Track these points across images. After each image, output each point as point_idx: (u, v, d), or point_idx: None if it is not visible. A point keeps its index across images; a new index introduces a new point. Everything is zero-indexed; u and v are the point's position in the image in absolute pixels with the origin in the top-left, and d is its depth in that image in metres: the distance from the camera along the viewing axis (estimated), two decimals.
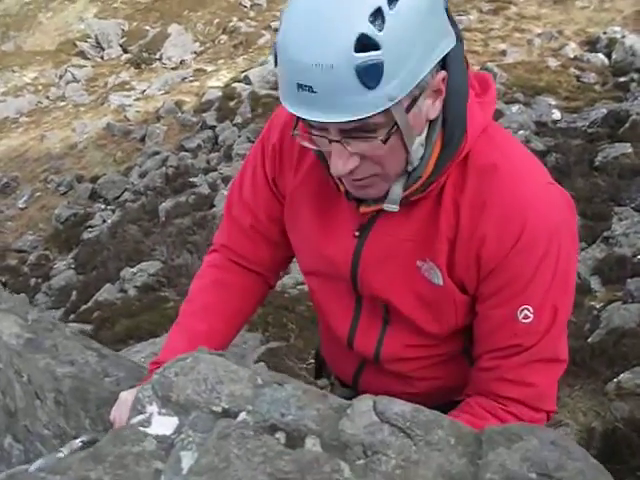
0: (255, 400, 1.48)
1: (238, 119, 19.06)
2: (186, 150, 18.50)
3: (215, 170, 16.63)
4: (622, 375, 6.36)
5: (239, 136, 18.00)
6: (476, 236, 1.85)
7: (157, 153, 18.62)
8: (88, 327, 9.70)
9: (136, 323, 9.22)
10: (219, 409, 1.48)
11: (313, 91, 1.62)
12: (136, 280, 11.62)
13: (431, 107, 1.76)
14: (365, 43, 1.55)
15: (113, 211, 16.78)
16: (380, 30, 1.55)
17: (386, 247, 1.98)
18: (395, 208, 1.86)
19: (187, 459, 1.39)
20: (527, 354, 1.91)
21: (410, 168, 1.83)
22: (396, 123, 1.69)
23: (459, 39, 1.78)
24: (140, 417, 1.52)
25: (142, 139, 20.63)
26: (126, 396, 1.98)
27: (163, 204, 15.18)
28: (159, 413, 1.52)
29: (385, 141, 1.70)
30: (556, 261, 1.84)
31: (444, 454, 1.37)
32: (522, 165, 1.89)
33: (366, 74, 1.57)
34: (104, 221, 16.18)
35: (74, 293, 12.72)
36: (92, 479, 1.35)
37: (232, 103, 20.18)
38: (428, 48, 1.65)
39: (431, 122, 1.81)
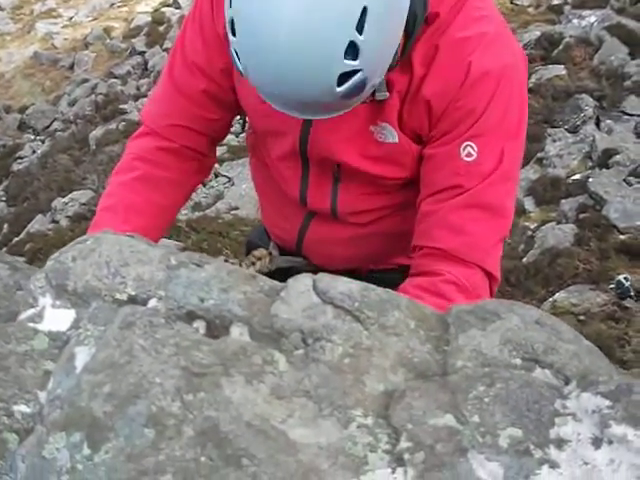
0: (168, 284, 1.20)
1: (168, 44, 18.53)
2: (115, 77, 18.10)
3: (145, 96, 16.17)
4: (557, 294, 6.60)
5: None
6: (426, 81, 1.86)
7: (86, 81, 18.14)
8: (21, 259, 9.42)
9: None
10: (124, 297, 1.21)
11: (299, 111, 1.74)
12: (68, 210, 11.42)
13: None
14: (345, 75, 1.59)
15: (43, 141, 16.34)
16: (356, 59, 1.57)
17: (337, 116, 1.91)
18: (386, 95, 1.86)
19: (82, 355, 1.12)
20: (466, 196, 1.89)
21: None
22: None
23: None
24: (31, 311, 1.26)
25: (71, 67, 20.13)
26: None
27: (93, 132, 14.83)
28: (53, 306, 1.24)
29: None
30: (506, 102, 1.86)
31: (403, 339, 1.12)
32: (480, 10, 1.89)
33: (352, 94, 1.65)
34: (34, 151, 15.75)
35: (5, 226, 12.39)
36: None
37: (161, 28, 19.75)
38: (400, 29, 1.70)
39: None
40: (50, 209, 11.75)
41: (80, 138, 15.10)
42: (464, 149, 1.85)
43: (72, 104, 17.28)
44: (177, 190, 2.25)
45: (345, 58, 1.56)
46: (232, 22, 1.62)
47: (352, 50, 1.55)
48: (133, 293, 1.20)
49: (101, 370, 1.05)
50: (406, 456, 0.97)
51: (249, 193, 9.83)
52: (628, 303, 6.43)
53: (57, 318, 1.22)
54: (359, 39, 1.54)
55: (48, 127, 17.13)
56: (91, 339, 1.13)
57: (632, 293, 6.48)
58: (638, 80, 12.03)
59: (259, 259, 2.45)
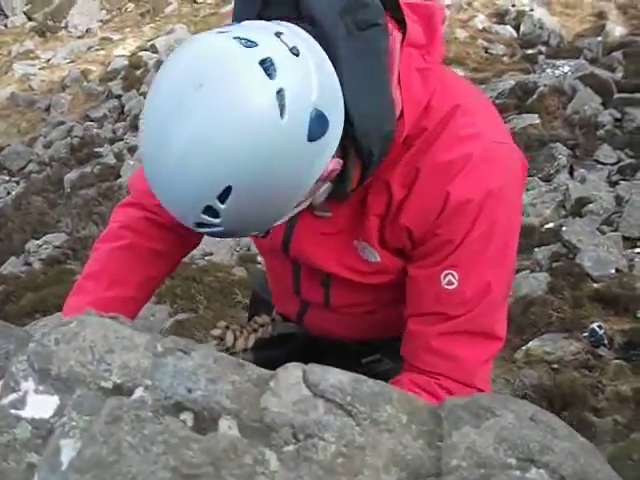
0: (154, 372, 1.17)
1: (145, 88, 18.61)
2: (92, 120, 18.11)
3: (121, 140, 16.29)
4: (531, 342, 6.63)
5: None
6: (405, 206, 1.79)
7: (62, 123, 18.11)
8: None
9: (42, 297, 8.99)
10: (109, 384, 1.17)
11: None
12: (41, 253, 11.36)
13: (329, 169, 1.66)
14: (204, 224, 1.59)
15: (18, 182, 16.28)
16: (216, 217, 1.55)
17: (318, 229, 1.95)
18: (329, 214, 1.87)
19: (68, 450, 1.08)
20: (452, 324, 1.83)
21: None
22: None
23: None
24: (13, 396, 1.20)
25: (47, 109, 20.12)
26: None
27: (68, 175, 14.82)
28: (36, 391, 1.20)
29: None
30: (489, 230, 1.76)
31: (396, 436, 1.09)
32: (466, 127, 1.77)
33: (209, 234, 1.68)
34: (8, 193, 15.69)
35: None
36: None
37: (138, 72, 19.80)
38: (282, 204, 1.63)
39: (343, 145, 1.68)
40: (23, 251, 11.67)
41: (55, 180, 15.08)
42: (445, 277, 1.80)
43: (48, 146, 17.25)
44: (162, 261, 2.21)
45: (203, 214, 1.54)
46: None
47: (211, 212, 1.53)
48: (119, 381, 1.17)
49: (88, 470, 1.02)
50: None
51: (224, 239, 9.82)
52: (602, 351, 6.44)
53: (40, 404, 1.17)
54: (219, 206, 1.52)
55: (23, 168, 17.07)
56: (76, 431, 1.10)
57: (606, 341, 6.50)
58: (611, 129, 12.20)
59: (262, 326, 2.45)
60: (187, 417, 1.11)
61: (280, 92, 1.45)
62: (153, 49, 20.90)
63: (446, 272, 1.79)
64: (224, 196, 1.49)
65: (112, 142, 16.26)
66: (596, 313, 7.06)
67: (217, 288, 8.29)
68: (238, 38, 1.47)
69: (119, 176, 14.10)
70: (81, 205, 13.15)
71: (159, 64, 19.33)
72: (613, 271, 7.93)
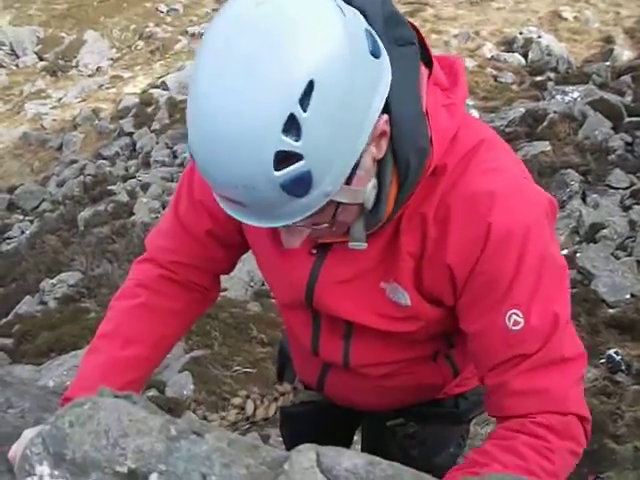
0: (168, 457, 1.17)
1: (156, 125, 18.81)
2: (104, 158, 18.18)
3: (134, 177, 16.34)
4: None
5: (157, 142, 17.78)
6: (444, 245, 1.74)
7: (74, 162, 18.21)
8: (8, 341, 9.41)
9: (57, 335, 8.97)
10: (124, 469, 1.17)
11: (243, 205, 1.52)
12: (56, 291, 11.37)
13: (375, 151, 1.61)
14: (284, 157, 1.40)
15: (31, 222, 16.34)
16: (297, 140, 1.39)
17: (346, 268, 1.87)
18: (363, 246, 1.74)
19: None
20: (529, 362, 1.76)
21: (368, 208, 1.68)
22: (339, 202, 1.59)
23: (408, 41, 1.66)
24: None
25: (59, 148, 20.24)
26: (29, 434, 1.69)
27: (82, 213, 14.84)
28: (51, 476, 1.21)
29: (332, 220, 1.63)
30: (538, 260, 1.72)
31: None
32: (492, 161, 1.76)
33: (293, 187, 1.45)
34: (22, 232, 15.74)
35: None
36: None
37: (149, 109, 19.92)
38: (357, 127, 1.50)
39: (380, 160, 1.64)
40: (38, 290, 11.68)
41: (69, 219, 15.11)
42: (509, 318, 1.73)
43: (60, 185, 17.33)
44: (179, 320, 2.19)
45: (284, 133, 1.38)
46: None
47: (293, 127, 1.38)
48: (133, 466, 1.17)
49: None
50: None
51: (238, 274, 9.83)
52: (619, 377, 6.40)
53: None
54: (301, 115, 1.38)
55: (37, 207, 17.17)
56: None
57: (623, 367, 6.46)
58: (622, 154, 12.16)
59: (282, 394, 2.44)
60: None
61: (337, 4, 1.45)
62: (164, 86, 21.00)
63: (509, 313, 1.73)
64: (306, 98, 1.37)
65: (125, 180, 16.32)
66: (613, 339, 7.03)
67: (232, 324, 8.26)
68: None
69: (132, 214, 14.13)
70: (95, 243, 13.16)
71: (170, 101, 19.51)
72: (628, 296, 7.90)
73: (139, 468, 1.17)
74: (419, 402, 2.27)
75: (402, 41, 1.64)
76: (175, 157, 16.52)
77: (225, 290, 9.73)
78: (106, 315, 2.13)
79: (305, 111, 1.38)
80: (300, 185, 1.45)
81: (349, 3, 1.55)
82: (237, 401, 2.20)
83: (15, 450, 1.73)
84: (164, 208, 13.92)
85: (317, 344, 2.13)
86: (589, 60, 18.88)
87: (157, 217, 13.53)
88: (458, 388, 2.34)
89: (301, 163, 1.42)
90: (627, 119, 13.23)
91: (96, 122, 20.73)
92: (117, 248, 12.50)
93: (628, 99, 14.63)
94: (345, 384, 2.23)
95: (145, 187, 15.15)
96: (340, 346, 2.08)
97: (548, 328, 1.74)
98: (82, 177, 16.99)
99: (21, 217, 17.09)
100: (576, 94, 14.93)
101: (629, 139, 12.60)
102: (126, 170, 17.27)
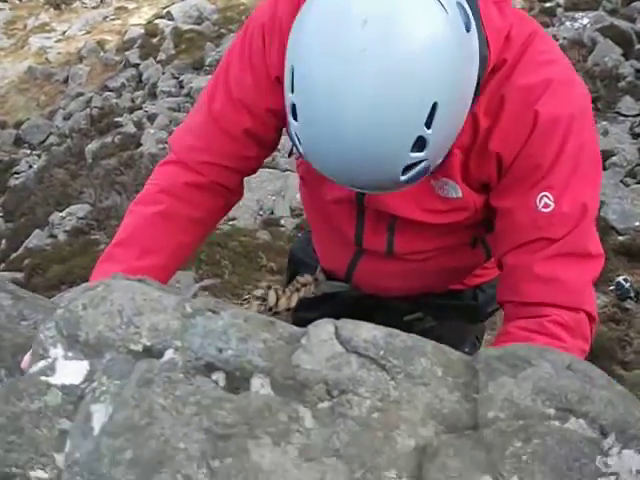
0: (184, 333, 1.15)
1: (162, 56, 18.55)
2: (110, 90, 17.96)
3: (140, 109, 16.16)
4: None
5: (163, 73, 17.55)
6: (493, 133, 1.79)
7: (81, 94, 18.04)
8: (19, 275, 9.41)
9: (68, 268, 8.95)
10: (139, 347, 1.16)
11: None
12: (65, 224, 11.31)
13: None
14: (410, 165, 1.54)
15: (39, 156, 16.27)
16: (423, 150, 1.52)
17: None
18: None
19: (99, 415, 1.07)
20: (554, 247, 1.82)
21: None
22: None
23: None
24: (42, 364, 1.20)
25: (65, 81, 20.03)
26: None
27: (89, 146, 14.74)
28: (65, 357, 1.19)
29: None
30: (579, 150, 1.78)
31: (431, 389, 1.07)
32: (546, 53, 1.81)
33: (413, 180, 1.59)
34: (30, 166, 15.69)
35: (3, 242, 12.31)
36: None
37: (155, 40, 19.64)
38: (467, 104, 1.62)
39: None
40: (48, 224, 11.65)
41: (76, 152, 15.04)
42: (540, 200, 1.79)
43: (67, 118, 17.20)
44: (199, 228, 2.15)
45: (411, 151, 1.51)
46: (294, 107, 1.56)
47: (419, 144, 1.51)
48: (148, 344, 1.15)
49: (121, 433, 1.00)
50: None
51: (247, 203, 9.79)
52: (628, 304, 6.38)
53: (70, 371, 1.16)
54: (427, 133, 1.49)
55: (44, 142, 17.08)
56: (107, 396, 1.08)
57: (632, 294, 6.43)
58: (632, 81, 12.01)
59: (304, 285, 2.41)
60: (219, 377, 1.10)
61: None
62: (169, 16, 20.71)
63: (541, 195, 1.79)
64: (430, 118, 1.48)
65: (131, 111, 16.17)
66: (622, 266, 6.99)
67: (242, 253, 8.22)
68: None
69: (140, 145, 14.03)
70: (103, 175, 13.09)
71: (175, 31, 19.28)
72: (638, 223, 7.85)
73: (154, 345, 1.15)
74: (440, 293, 2.26)
75: None
76: (181, 87, 16.34)
77: (234, 219, 9.72)
78: (124, 220, 2.09)
79: (429, 128, 1.48)
80: (420, 176, 1.60)
81: None
82: (259, 292, 2.18)
83: (28, 359, 1.73)
84: None
85: (361, 235, 2.16)
86: None
87: (164, 148, 13.41)
88: (478, 279, 2.39)
89: (423, 164, 1.55)
90: (638, 46, 13.04)
91: (101, 54, 20.51)
92: (125, 179, 12.43)
93: (639, 26, 14.42)
94: (378, 270, 2.24)
95: (152, 118, 15.01)
96: (384, 237, 2.12)
97: (576, 216, 1.79)
98: (89, 110, 16.85)
99: (28, 152, 17.03)
100: (586, 20, 14.70)
101: (639, 66, 12.45)
102: (132, 101, 17.09)
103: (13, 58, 22.40)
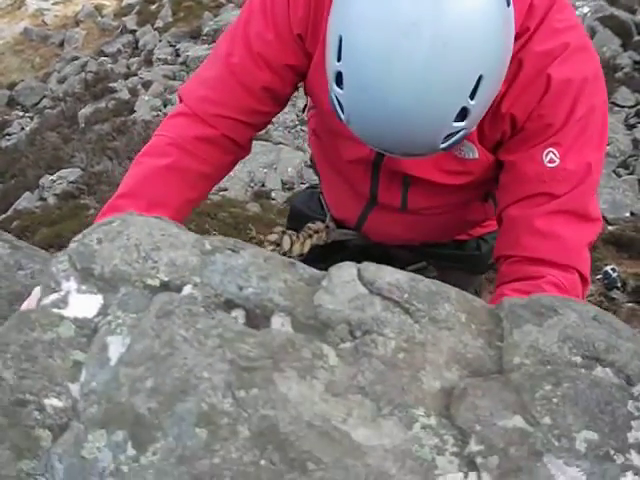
0: (203, 270, 1.13)
1: (159, 23, 18.48)
2: (106, 55, 17.91)
3: (135, 75, 16.11)
4: None
5: (160, 40, 17.49)
6: (507, 96, 1.82)
7: (76, 58, 17.95)
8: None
9: (56, 231, 8.94)
10: (156, 282, 1.13)
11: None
12: (55, 188, 11.30)
13: None
14: (451, 134, 1.60)
15: (31, 118, 16.21)
16: (464, 120, 1.57)
17: None
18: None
19: (116, 346, 1.04)
20: (556, 203, 1.86)
21: None
22: None
23: None
24: (54, 296, 1.16)
25: (61, 44, 19.95)
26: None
27: (82, 110, 14.69)
28: (78, 291, 1.16)
29: None
30: (589, 112, 1.83)
31: (455, 334, 1.06)
32: (564, 21, 1.83)
33: (449, 148, 1.65)
34: (22, 128, 15.62)
35: None
36: None
37: (153, 7, 19.55)
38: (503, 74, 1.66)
39: None
40: (38, 186, 11.62)
41: (69, 116, 14.98)
42: (546, 155, 1.82)
43: (62, 81, 17.13)
44: (207, 183, 2.13)
45: (454, 121, 1.56)
46: (339, 75, 1.58)
47: (462, 114, 1.56)
48: (166, 279, 1.13)
49: (140, 363, 0.98)
50: (478, 460, 0.92)
51: (238, 175, 9.76)
52: (615, 294, 6.40)
53: (83, 304, 1.14)
54: (470, 104, 1.55)
55: (37, 104, 16.99)
56: (124, 328, 1.06)
57: (619, 284, 6.46)
58: (629, 72, 12.02)
59: (316, 232, 2.40)
60: (238, 314, 1.07)
61: None
62: None
63: (548, 150, 1.82)
64: (475, 90, 1.53)
65: (126, 77, 16.09)
66: (610, 256, 7.01)
67: (231, 224, 8.23)
68: None
69: (133, 111, 13.98)
70: (95, 140, 13.05)
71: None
72: (628, 214, 7.88)
73: (172, 281, 1.13)
74: (444, 243, 2.35)
75: None
76: (178, 55, 16.26)
77: (225, 190, 9.69)
78: (130, 171, 2.05)
79: (473, 99, 1.54)
80: (455, 144, 1.65)
81: None
82: (273, 237, 2.16)
83: (27, 304, 1.72)
84: (165, 106, 13.76)
85: (376, 192, 2.20)
86: None
87: (158, 115, 13.39)
88: (482, 229, 2.44)
89: (462, 132, 1.60)
90: (637, 37, 13.05)
91: (99, 19, 20.42)
92: (118, 145, 12.39)
93: (639, 17, 14.41)
94: (389, 221, 2.27)
95: (147, 85, 14.96)
96: (399, 194, 2.15)
97: (580, 174, 1.84)
98: (83, 74, 16.78)
99: (21, 113, 16.94)
100: (586, 9, 14.67)
101: (638, 57, 12.47)
102: (128, 68, 17.01)
103: (9, 19, 22.23)
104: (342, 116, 1.65)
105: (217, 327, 1.03)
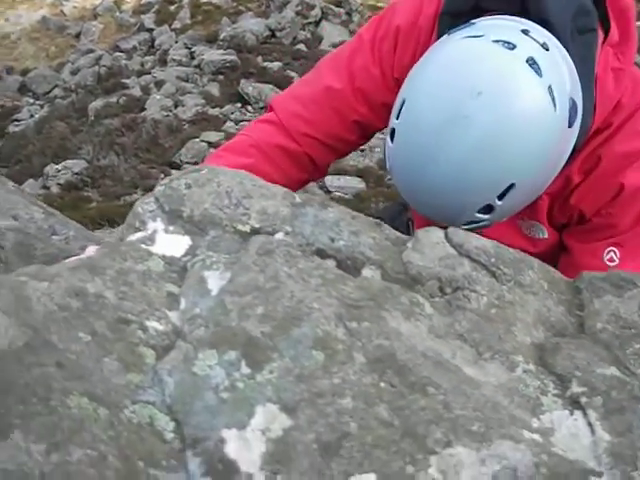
0: (294, 220, 1.16)
1: (177, 24, 18.47)
2: (121, 51, 17.87)
3: (149, 73, 16.07)
4: None
5: (176, 41, 17.45)
6: (579, 189, 1.86)
7: (91, 51, 17.91)
8: None
9: None
10: (247, 228, 1.15)
11: None
12: (60, 177, 11.26)
13: None
14: (473, 221, 1.64)
15: (42, 106, 16.15)
16: (489, 213, 1.62)
17: None
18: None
19: (214, 280, 1.06)
20: None
21: None
22: None
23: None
24: (139, 234, 1.18)
25: (77, 36, 19.93)
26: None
27: (93, 103, 14.63)
28: (166, 231, 1.17)
29: None
30: None
31: (539, 299, 1.10)
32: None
33: (472, 230, 1.54)
34: (32, 115, 15.57)
35: None
36: (90, 292, 1.02)
37: (172, 7, 19.53)
38: (547, 181, 1.69)
39: None
40: (42, 174, 11.60)
41: (79, 107, 14.92)
42: (607, 253, 1.88)
43: (75, 73, 17.07)
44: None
45: (478, 212, 1.61)
46: (393, 131, 1.65)
47: (487, 208, 1.60)
48: (257, 226, 1.16)
49: (247, 292, 1.01)
50: (583, 400, 0.96)
51: None
52: None
53: (171, 243, 1.15)
54: (497, 204, 1.59)
55: (48, 93, 16.94)
56: (220, 264, 1.09)
57: None
58: None
59: None
60: (329, 264, 1.11)
61: (550, 87, 1.53)
62: None
63: (610, 249, 1.87)
64: (504, 194, 1.57)
65: (140, 75, 16.07)
66: None
67: None
68: (497, 41, 1.54)
69: (144, 109, 13.95)
70: (103, 134, 13.01)
71: (194, 1, 19.14)
72: None
73: (263, 228, 1.16)
74: None
75: (584, 29, 1.72)
76: (192, 58, 16.23)
77: None
78: (209, 161, 2.11)
79: (500, 200, 1.57)
80: (477, 229, 1.60)
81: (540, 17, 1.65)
82: None
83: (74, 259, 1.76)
84: (176, 107, 13.73)
85: None
86: None
87: (168, 115, 13.36)
88: None
89: (485, 222, 1.65)
90: None
91: (117, 14, 20.38)
92: (125, 141, 12.37)
93: None
94: None
95: (159, 84, 14.94)
96: None
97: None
98: (97, 67, 16.73)
99: (32, 101, 16.88)
100: None
101: None
102: (142, 65, 16.99)
103: (28, 6, 22.21)
104: (387, 165, 1.71)
105: (317, 269, 1.06)
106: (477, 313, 1.05)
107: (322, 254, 1.12)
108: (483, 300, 1.07)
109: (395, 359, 0.96)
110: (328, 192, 10.00)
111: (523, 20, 1.63)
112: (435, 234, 1.16)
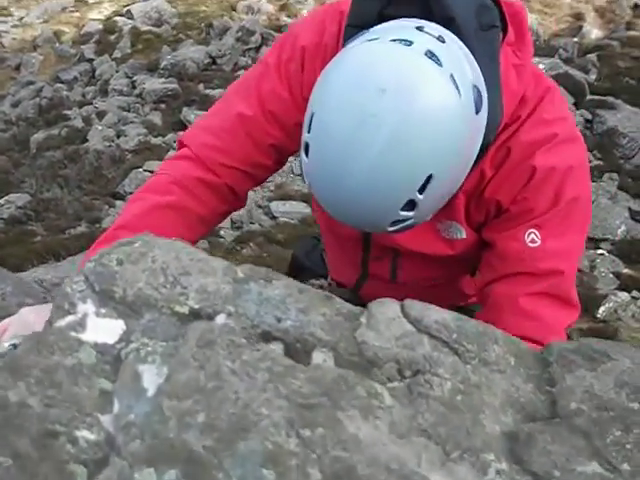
0: (237, 299, 1.06)
1: (117, 54, 18.38)
2: (62, 82, 17.73)
3: (90, 104, 15.94)
4: None
5: (117, 71, 17.36)
6: (492, 182, 1.90)
7: (31, 83, 17.72)
8: None
9: (1, 257, 8.73)
10: (185, 310, 1.05)
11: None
12: (3, 212, 11.15)
13: None
14: (398, 221, 1.63)
15: None
16: (412, 210, 1.60)
17: None
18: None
19: (150, 375, 0.96)
20: (539, 286, 1.92)
21: None
22: None
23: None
24: (69, 318, 1.07)
25: (17, 68, 19.72)
26: (28, 314, 1.73)
27: (35, 135, 14.51)
28: (97, 314, 1.07)
29: None
30: (572, 200, 1.88)
31: (507, 377, 1.01)
32: (553, 112, 1.90)
33: (399, 232, 1.70)
34: None
35: None
36: (12, 402, 0.92)
37: (112, 37, 19.43)
38: (462, 175, 1.69)
39: None
40: None
41: (21, 140, 14.80)
42: (528, 235, 1.89)
43: (15, 105, 16.91)
44: (201, 227, 2.12)
45: (401, 210, 1.59)
46: (307, 145, 1.63)
47: (410, 205, 1.59)
48: (196, 306, 1.06)
49: (187, 395, 0.91)
50: None
51: None
52: None
53: (103, 329, 1.06)
54: (418, 198, 1.57)
55: None
56: (156, 356, 0.99)
57: None
58: (581, 130, 12.19)
59: (320, 288, 2.45)
60: (276, 347, 1.01)
61: (452, 75, 1.53)
62: (129, 15, 20.48)
63: (530, 231, 1.88)
64: (424, 186, 1.56)
65: (81, 105, 15.94)
66: None
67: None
68: (394, 40, 1.55)
69: (86, 140, 13.83)
70: (46, 167, 12.89)
71: (133, 31, 19.11)
72: None
73: (203, 309, 1.06)
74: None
75: (486, 26, 1.76)
76: (134, 87, 16.13)
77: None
78: (129, 205, 2.06)
79: (421, 194, 1.57)
80: (405, 229, 1.67)
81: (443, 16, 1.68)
82: None
83: (7, 323, 1.70)
84: (119, 137, 13.69)
85: (367, 264, 2.30)
86: (557, 34, 18.84)
87: (111, 145, 13.29)
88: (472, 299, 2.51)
89: (411, 221, 1.63)
90: (589, 97, 13.28)
91: (57, 45, 20.22)
92: (69, 173, 12.28)
93: (592, 77, 14.66)
94: (383, 289, 2.25)
95: (101, 115, 14.83)
96: (388, 267, 2.25)
97: (560, 258, 1.91)
98: (38, 99, 16.58)
99: None
100: (541, 66, 14.93)
101: (589, 117, 12.65)
102: (83, 96, 16.87)
103: None
104: (305, 181, 1.69)
105: (264, 360, 0.96)
106: (441, 402, 0.96)
107: (268, 337, 1.02)
108: (447, 385, 0.98)
109: (356, 474, 0.85)
110: (274, 218, 10.05)
111: (416, 20, 1.65)
112: (391, 308, 1.07)
